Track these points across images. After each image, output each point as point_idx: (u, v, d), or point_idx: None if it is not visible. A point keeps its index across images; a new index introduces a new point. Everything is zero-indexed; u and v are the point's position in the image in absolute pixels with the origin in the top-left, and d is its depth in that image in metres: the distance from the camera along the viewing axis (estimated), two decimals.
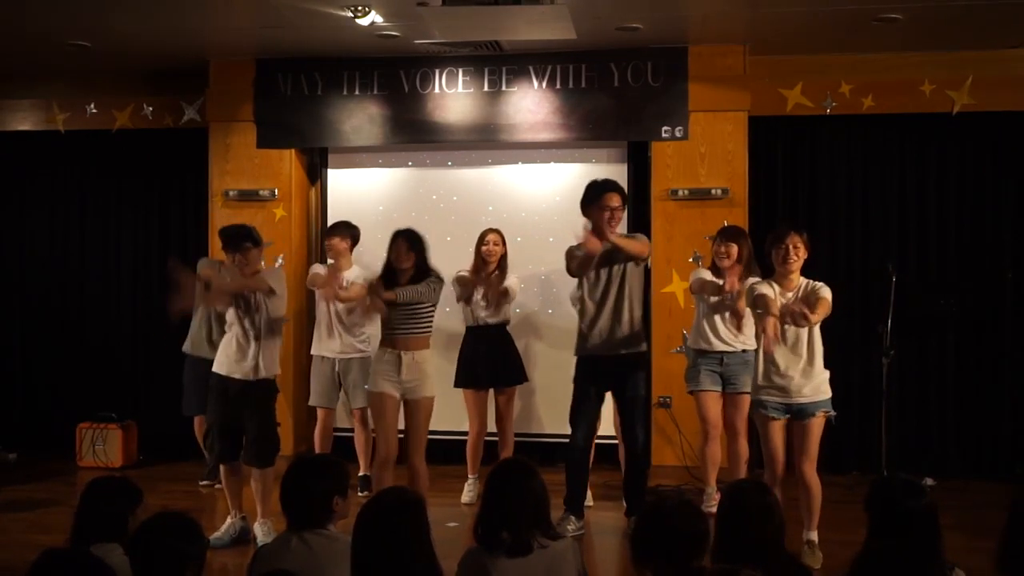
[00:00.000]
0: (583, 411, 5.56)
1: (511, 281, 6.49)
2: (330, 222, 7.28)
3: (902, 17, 6.34)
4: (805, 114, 7.33)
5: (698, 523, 2.75)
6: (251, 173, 7.73)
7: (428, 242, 5.58)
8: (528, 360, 6.98)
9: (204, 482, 6.90)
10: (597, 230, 5.36)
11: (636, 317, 5.53)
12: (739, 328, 6.02)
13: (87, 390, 8.12)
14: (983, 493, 6.70)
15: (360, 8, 6.14)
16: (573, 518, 5.40)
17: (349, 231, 6.67)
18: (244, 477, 5.70)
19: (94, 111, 8.07)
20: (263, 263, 5.81)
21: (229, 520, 5.60)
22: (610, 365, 5.47)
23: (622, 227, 7.36)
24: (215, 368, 5.60)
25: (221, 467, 5.68)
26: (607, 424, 6.31)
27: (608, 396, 5.76)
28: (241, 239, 5.55)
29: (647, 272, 7.30)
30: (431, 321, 5.55)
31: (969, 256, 7.28)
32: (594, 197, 5.53)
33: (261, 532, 5.50)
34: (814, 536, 5.15)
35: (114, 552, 3.19)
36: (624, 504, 5.84)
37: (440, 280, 5.54)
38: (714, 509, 6.14)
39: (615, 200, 5.49)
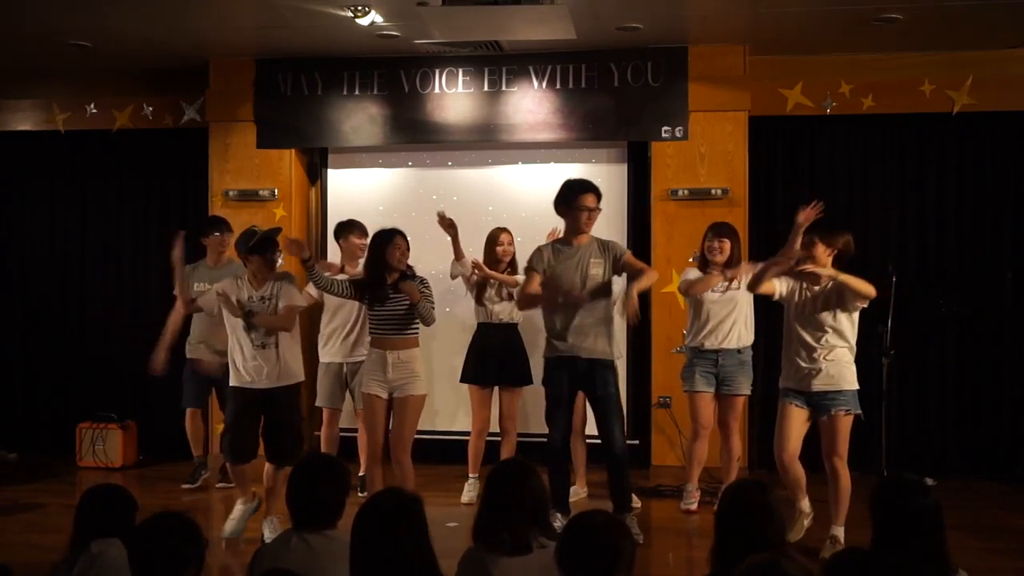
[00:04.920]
0: (559, 410, 5.57)
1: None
2: (330, 222, 7.26)
3: (902, 17, 6.35)
4: (805, 114, 7.33)
5: (621, 541, 2.72)
6: (251, 173, 7.74)
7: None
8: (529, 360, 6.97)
9: (187, 485, 6.86)
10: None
11: (614, 325, 5.54)
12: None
13: (87, 390, 8.13)
14: (983, 493, 6.71)
15: (360, 8, 6.15)
16: (559, 514, 5.40)
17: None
18: (252, 467, 5.70)
19: (94, 111, 8.07)
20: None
21: (239, 506, 5.62)
22: (582, 366, 5.46)
23: (620, 225, 7.42)
24: (234, 382, 5.55)
25: (230, 466, 5.67)
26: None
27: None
28: (277, 245, 5.59)
29: None
30: (417, 321, 5.57)
31: (969, 256, 7.29)
32: (570, 198, 5.51)
33: (268, 529, 5.50)
34: (838, 532, 5.19)
35: (113, 546, 3.20)
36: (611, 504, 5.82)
37: (425, 282, 5.60)
38: (693, 506, 6.22)
39: (591, 200, 5.47)
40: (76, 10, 6.34)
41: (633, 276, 5.39)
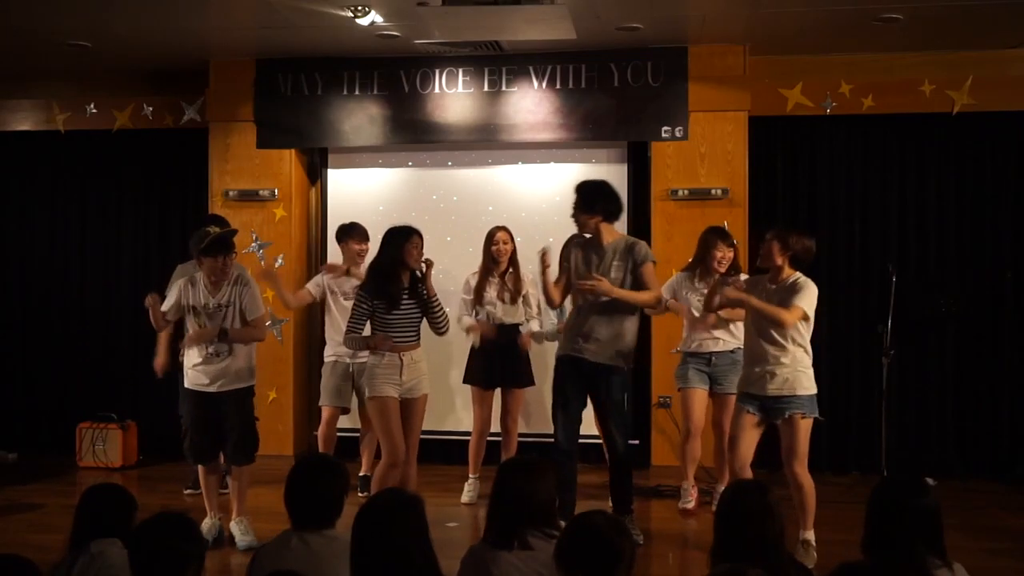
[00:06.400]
0: (560, 409, 5.50)
1: (534, 316, 6.48)
2: (330, 222, 7.26)
3: (902, 17, 6.35)
4: (805, 114, 7.33)
5: (621, 541, 2.71)
6: (251, 173, 7.74)
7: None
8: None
9: (189, 490, 6.75)
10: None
11: (629, 335, 5.45)
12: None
13: (87, 390, 8.13)
14: (983, 493, 6.71)
15: (360, 8, 6.14)
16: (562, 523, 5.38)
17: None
18: (220, 477, 5.75)
19: (94, 111, 8.07)
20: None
21: (208, 521, 5.54)
22: (587, 368, 5.41)
23: (620, 225, 7.39)
24: (188, 384, 5.54)
25: (200, 468, 5.65)
26: (592, 424, 6.28)
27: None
28: (231, 246, 5.48)
29: None
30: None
31: (969, 256, 7.28)
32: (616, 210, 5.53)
33: (238, 530, 5.48)
34: (809, 536, 5.15)
35: (113, 546, 3.20)
36: (611, 504, 5.81)
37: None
38: (690, 506, 6.21)
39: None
40: (76, 10, 6.34)
41: (634, 286, 5.36)
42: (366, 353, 6.00)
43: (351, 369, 6.51)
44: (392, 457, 5.40)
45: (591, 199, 5.45)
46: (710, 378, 6.16)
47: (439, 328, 5.56)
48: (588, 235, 5.50)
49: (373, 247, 6.07)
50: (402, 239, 5.37)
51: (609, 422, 5.45)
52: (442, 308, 5.53)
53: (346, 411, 6.69)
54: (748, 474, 5.20)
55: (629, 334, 5.46)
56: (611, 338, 5.40)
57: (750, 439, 5.20)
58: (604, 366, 5.40)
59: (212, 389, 5.45)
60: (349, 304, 6.33)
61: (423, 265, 5.44)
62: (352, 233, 6.59)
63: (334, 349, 6.58)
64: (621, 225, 7.34)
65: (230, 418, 5.48)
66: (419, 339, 5.54)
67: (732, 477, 5.29)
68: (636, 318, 5.50)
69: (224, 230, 5.56)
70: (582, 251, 5.50)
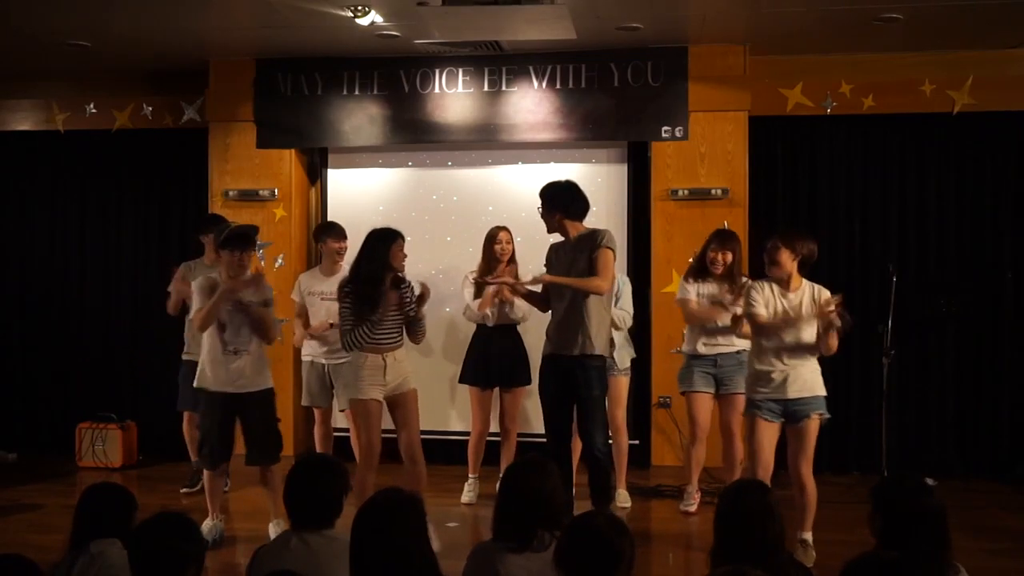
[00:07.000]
0: (547, 411, 5.55)
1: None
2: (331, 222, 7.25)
3: (902, 17, 6.35)
4: (805, 114, 7.33)
5: (621, 542, 2.71)
6: (251, 173, 7.74)
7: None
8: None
9: (185, 489, 6.78)
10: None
11: (594, 321, 5.35)
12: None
13: (87, 390, 8.13)
14: (983, 493, 6.71)
15: (360, 8, 6.14)
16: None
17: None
18: (224, 479, 5.76)
19: (94, 111, 8.08)
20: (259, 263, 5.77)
21: (209, 522, 5.53)
22: (566, 364, 5.38)
23: (620, 225, 7.40)
24: (204, 385, 5.51)
25: (206, 470, 5.64)
26: None
27: None
28: (251, 241, 5.50)
29: (648, 273, 7.34)
30: None
31: (969, 256, 7.28)
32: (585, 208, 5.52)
33: (275, 532, 5.43)
34: (808, 536, 5.17)
35: (113, 546, 3.20)
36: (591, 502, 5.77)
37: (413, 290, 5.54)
38: (692, 508, 6.19)
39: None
40: (76, 10, 6.34)
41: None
42: (344, 356, 5.98)
43: (326, 369, 6.53)
44: (368, 460, 5.42)
45: (551, 198, 5.51)
46: (716, 380, 6.09)
47: (417, 337, 5.57)
48: (562, 236, 5.52)
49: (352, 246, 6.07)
50: (389, 242, 5.37)
51: (589, 420, 5.37)
52: (424, 322, 5.57)
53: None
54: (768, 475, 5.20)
55: (592, 319, 5.33)
56: (576, 328, 5.32)
57: (771, 446, 5.18)
58: (579, 359, 5.34)
59: (230, 390, 5.43)
60: (325, 304, 6.37)
61: (421, 286, 5.50)
62: (331, 232, 6.62)
63: (309, 349, 6.61)
64: (621, 225, 7.42)
65: (254, 421, 5.49)
66: (403, 340, 5.52)
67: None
68: (599, 304, 5.38)
69: (246, 225, 5.60)
70: (556, 252, 5.54)
